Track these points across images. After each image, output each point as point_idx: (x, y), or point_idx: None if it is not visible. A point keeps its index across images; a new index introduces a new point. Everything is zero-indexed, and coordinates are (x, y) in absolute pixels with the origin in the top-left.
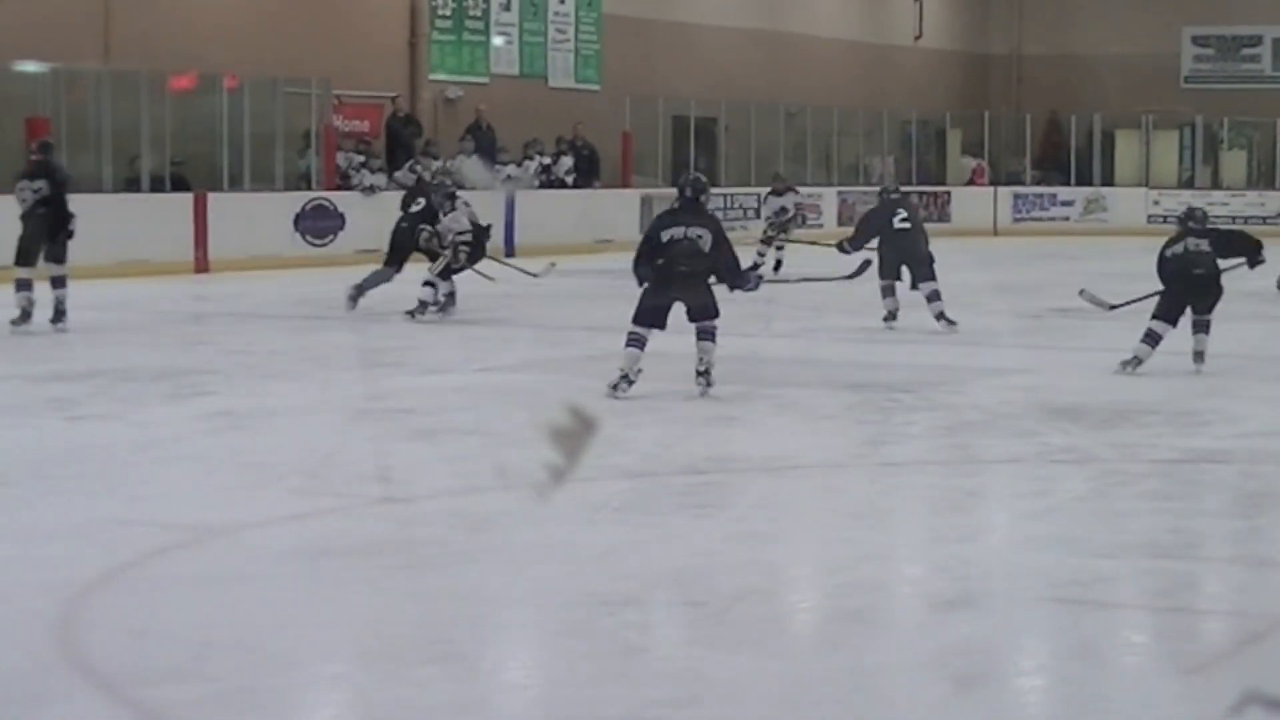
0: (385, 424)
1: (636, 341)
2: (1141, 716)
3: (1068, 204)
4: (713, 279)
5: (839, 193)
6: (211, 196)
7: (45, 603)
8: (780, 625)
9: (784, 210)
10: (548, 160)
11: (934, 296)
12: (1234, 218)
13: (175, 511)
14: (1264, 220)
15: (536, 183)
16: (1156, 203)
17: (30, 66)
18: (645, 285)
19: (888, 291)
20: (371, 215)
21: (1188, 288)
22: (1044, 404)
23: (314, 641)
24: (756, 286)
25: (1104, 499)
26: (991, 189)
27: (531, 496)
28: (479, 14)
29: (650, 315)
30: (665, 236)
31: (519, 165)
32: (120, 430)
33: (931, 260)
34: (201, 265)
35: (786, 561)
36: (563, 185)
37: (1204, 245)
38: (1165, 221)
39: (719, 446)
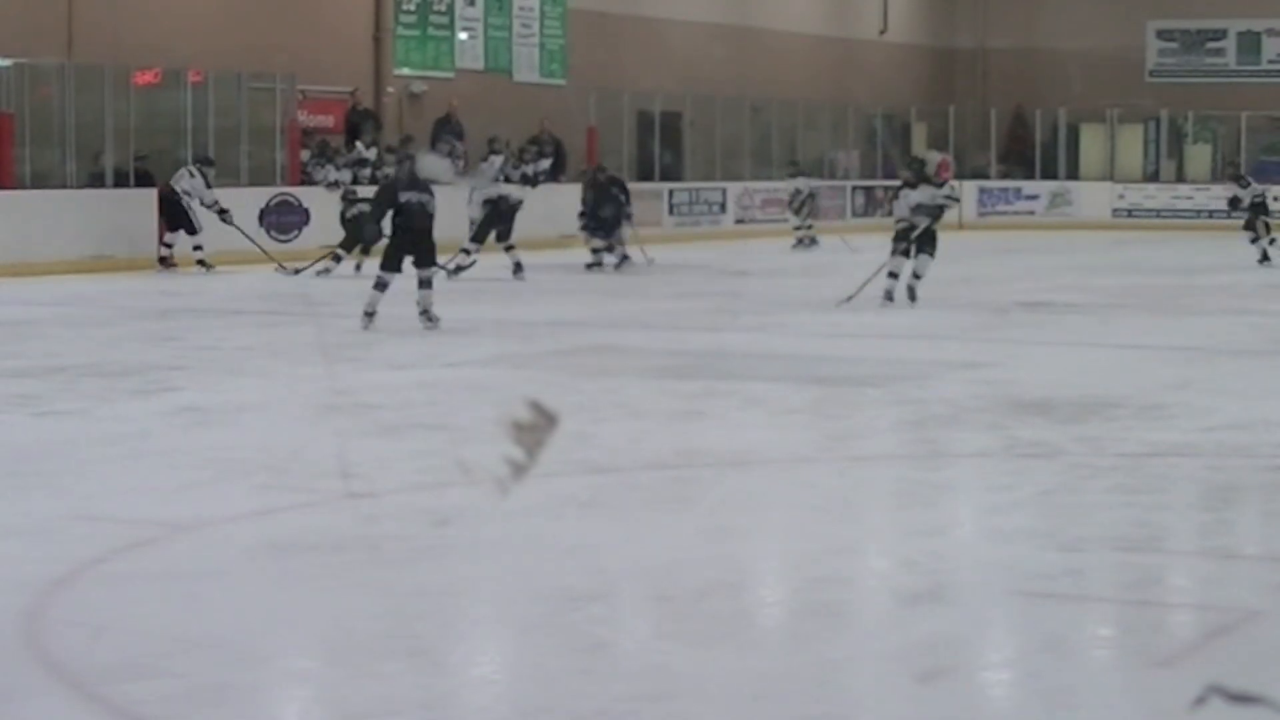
0: (351, 419)
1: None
2: (1109, 710)
3: (1033, 198)
4: None
5: None
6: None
7: (10, 599)
8: (747, 620)
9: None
10: (505, 156)
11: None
12: (1198, 211)
13: (141, 507)
14: (1228, 214)
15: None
16: (1121, 196)
17: None
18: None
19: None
20: (336, 210)
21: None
22: (1011, 398)
23: (280, 637)
24: None
25: (1071, 493)
26: (956, 183)
27: (496, 492)
28: (444, 9)
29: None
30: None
31: (484, 160)
32: (86, 426)
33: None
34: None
35: (753, 556)
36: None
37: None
38: (1130, 215)
39: (686, 441)
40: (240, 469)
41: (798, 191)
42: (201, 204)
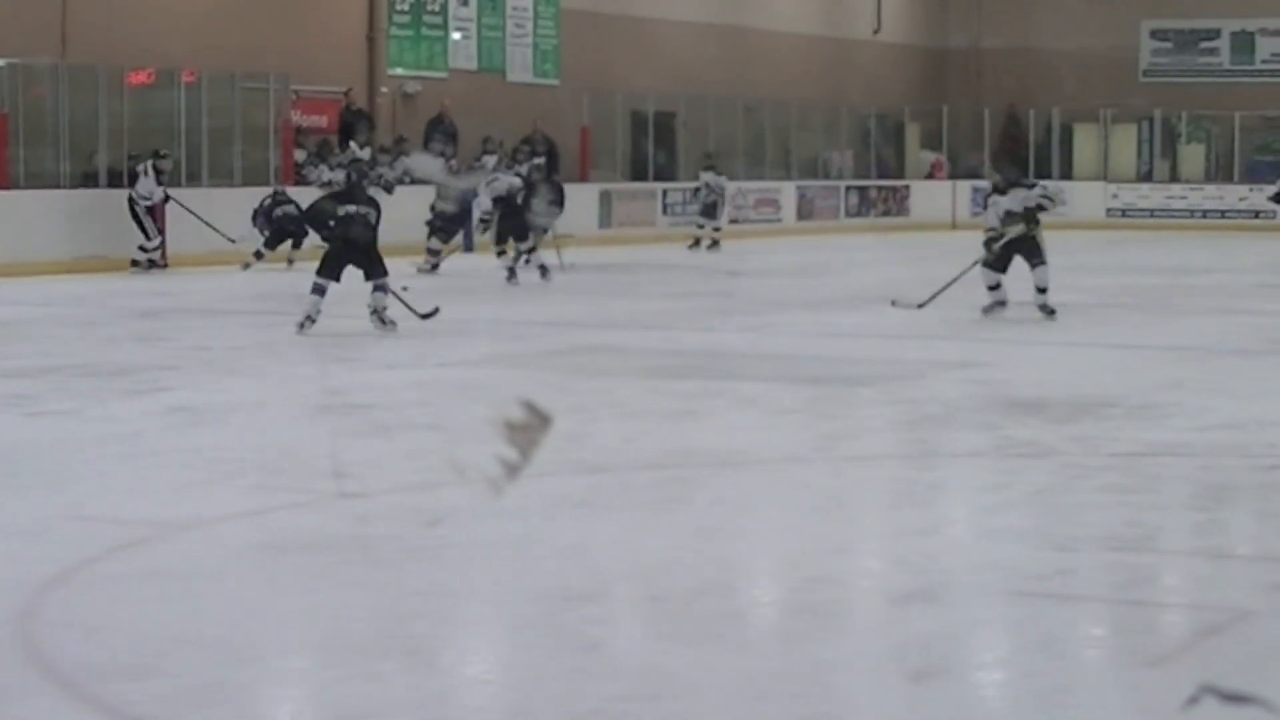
0: (344, 419)
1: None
2: (1102, 709)
3: None
4: None
5: (797, 187)
6: (170, 191)
7: (3, 599)
8: (741, 620)
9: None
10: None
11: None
12: (1192, 211)
13: (134, 507)
14: (1222, 214)
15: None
16: (1115, 196)
17: None
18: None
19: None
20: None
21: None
22: (1004, 397)
23: (274, 637)
24: None
25: (1064, 492)
26: (950, 183)
27: (490, 492)
28: (437, 9)
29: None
30: (342, 212)
31: (477, 160)
32: (78, 426)
33: None
34: (160, 260)
35: (747, 556)
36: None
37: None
38: (1124, 215)
39: (680, 441)
40: (233, 469)
41: (707, 187)
42: (147, 204)
